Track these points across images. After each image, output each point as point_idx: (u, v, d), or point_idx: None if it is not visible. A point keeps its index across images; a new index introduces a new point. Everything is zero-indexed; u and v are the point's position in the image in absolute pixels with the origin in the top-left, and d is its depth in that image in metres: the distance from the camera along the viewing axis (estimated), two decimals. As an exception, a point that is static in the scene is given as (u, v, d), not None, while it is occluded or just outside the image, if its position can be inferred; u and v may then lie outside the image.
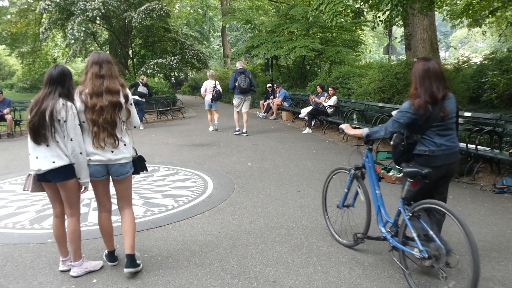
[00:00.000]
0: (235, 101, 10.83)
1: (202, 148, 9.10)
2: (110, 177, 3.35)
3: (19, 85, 39.42)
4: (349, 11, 8.19)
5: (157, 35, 23.17)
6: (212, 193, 5.65)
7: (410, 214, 3.03)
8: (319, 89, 11.89)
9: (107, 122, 3.12)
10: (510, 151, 5.64)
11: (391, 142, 3.37)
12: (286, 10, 16.93)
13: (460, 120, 6.56)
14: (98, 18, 20.71)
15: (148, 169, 7.04)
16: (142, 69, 20.66)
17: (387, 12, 8.61)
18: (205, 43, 41.89)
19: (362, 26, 17.77)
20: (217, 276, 3.31)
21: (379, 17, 9.10)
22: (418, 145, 3.21)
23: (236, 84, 10.32)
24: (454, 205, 4.95)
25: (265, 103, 15.05)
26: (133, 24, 18.85)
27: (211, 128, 12.00)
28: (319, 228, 4.31)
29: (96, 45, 23.36)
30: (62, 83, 3.15)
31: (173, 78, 36.38)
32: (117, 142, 3.19)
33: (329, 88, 11.14)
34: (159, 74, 31.58)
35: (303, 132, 11.08)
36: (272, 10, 24.20)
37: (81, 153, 3.12)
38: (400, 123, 3.20)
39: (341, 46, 16.09)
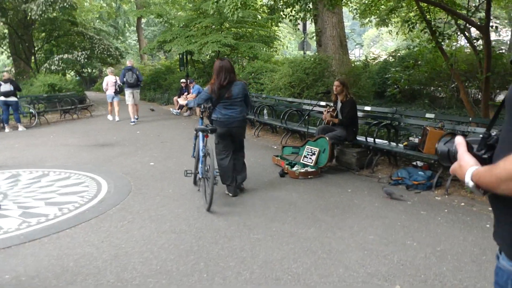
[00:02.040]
0: (126, 95, 12.23)
1: (104, 148, 8.47)
2: None
3: None
4: (250, 3, 8.06)
5: (63, 28, 21.55)
6: (104, 198, 5.17)
7: (203, 154, 4.84)
8: (231, 85, 11.69)
9: None
10: (404, 144, 5.83)
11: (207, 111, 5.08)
12: (199, 4, 16.51)
13: (360, 114, 6.70)
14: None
15: (37, 173, 6.42)
16: (45, 65, 19.14)
17: (295, 8, 8.61)
18: (120, 38, 40.04)
19: (278, 23, 17.88)
20: (87, 294, 2.92)
21: (282, 11, 9.11)
22: (213, 113, 4.99)
23: (125, 79, 11.94)
24: (352, 197, 4.98)
25: (179, 99, 14.58)
26: (33, 17, 17.29)
27: (110, 118, 13.30)
28: (213, 229, 4.07)
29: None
30: None
31: (84, 75, 34.29)
32: None
33: (241, 84, 10.99)
34: (69, 71, 29.61)
35: (215, 128, 10.80)
36: (189, 5, 23.60)
37: None
38: (202, 98, 5.01)
39: (255, 41, 16.01)
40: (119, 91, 12.81)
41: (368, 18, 15.50)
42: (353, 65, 12.70)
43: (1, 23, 21.11)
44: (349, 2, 11.50)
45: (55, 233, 4.05)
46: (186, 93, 14.55)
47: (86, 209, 4.77)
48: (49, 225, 4.29)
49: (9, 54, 23.76)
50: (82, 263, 3.40)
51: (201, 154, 4.91)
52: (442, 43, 6.77)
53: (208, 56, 17.84)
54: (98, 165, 6.95)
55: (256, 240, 3.79)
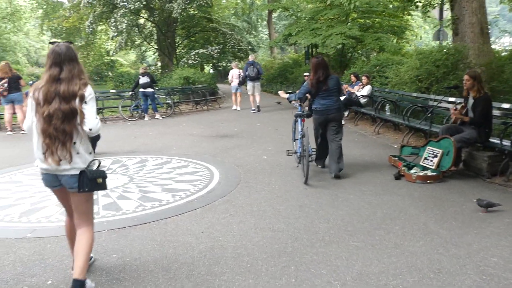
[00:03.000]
0: (248, 87, 13.75)
1: (223, 139, 8.85)
2: None
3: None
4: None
5: (200, 25, 23.18)
6: (214, 188, 5.36)
7: (300, 136, 5.72)
8: (353, 78, 11.22)
9: (58, 130, 2.69)
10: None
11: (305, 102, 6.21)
12: (326, -5, 16.18)
13: (497, 112, 5.81)
14: (142, 10, 21.03)
15: (161, 160, 6.94)
16: (183, 59, 20.82)
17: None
18: (253, 32, 41.59)
19: (410, 11, 16.58)
20: (178, 283, 3.02)
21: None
22: (313, 104, 5.79)
23: (247, 73, 13.23)
24: (476, 209, 4.32)
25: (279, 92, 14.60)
26: (174, 15, 18.91)
27: (234, 107, 14.67)
28: (312, 230, 3.90)
29: (142, 36, 23.81)
30: None
31: (219, 68, 36.53)
32: (69, 155, 2.73)
33: (363, 77, 10.47)
34: (206, 65, 31.83)
35: (334, 123, 10.50)
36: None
37: None
38: (302, 92, 5.90)
39: (383, 32, 15.10)
40: (242, 83, 14.23)
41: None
42: (496, 55, 11.11)
43: (150, 22, 23.62)
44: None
45: (163, 219, 4.31)
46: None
47: (195, 198, 5.00)
48: (160, 210, 4.59)
49: (155, 50, 26.53)
50: (180, 251, 3.55)
51: (299, 135, 5.79)
52: None
53: (334, 49, 17.43)
54: (214, 155, 7.27)
55: (354, 248, 3.52)
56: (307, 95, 5.92)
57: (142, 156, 7.37)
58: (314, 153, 5.98)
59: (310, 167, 5.54)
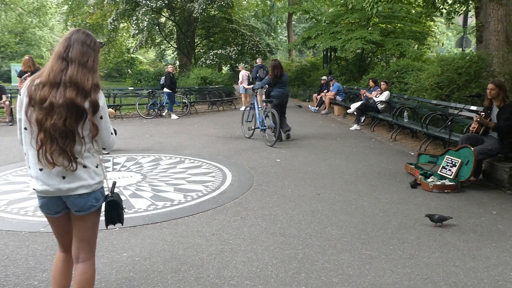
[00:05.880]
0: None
1: (238, 141, 8.82)
2: None
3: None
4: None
5: (220, 26, 23.24)
6: (226, 190, 5.33)
7: (264, 116, 8.62)
8: (371, 83, 11.10)
9: (56, 130, 2.02)
10: None
11: (264, 91, 9.05)
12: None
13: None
14: (163, 9, 21.19)
15: (175, 159, 6.94)
16: (202, 59, 20.91)
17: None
18: (272, 34, 41.57)
19: (432, 17, 16.32)
20: (187, 285, 2.98)
21: (433, 4, 8.13)
22: (272, 92, 8.64)
23: (257, 75, 14.77)
24: (496, 221, 4.21)
25: (318, 97, 14.43)
26: (194, 15, 18.99)
27: (242, 108, 14.97)
28: (324, 237, 3.82)
29: (162, 35, 23.95)
30: None
31: (237, 69, 36.53)
32: (72, 164, 2.09)
33: (382, 83, 10.32)
34: (225, 66, 31.90)
35: (350, 128, 10.39)
36: (339, 1, 23.18)
37: None
38: (265, 83, 8.73)
39: (404, 38, 14.90)
40: (250, 84, 14.93)
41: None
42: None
43: (170, 21, 23.77)
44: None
45: (175, 219, 4.28)
46: (325, 91, 14.34)
47: (207, 199, 4.97)
48: (172, 210, 4.57)
49: (174, 49, 26.66)
50: (190, 253, 3.51)
51: (263, 115, 8.64)
52: None
53: (353, 53, 17.25)
54: (228, 157, 7.24)
55: (367, 257, 3.43)
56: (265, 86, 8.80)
57: (156, 155, 7.39)
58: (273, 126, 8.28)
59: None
